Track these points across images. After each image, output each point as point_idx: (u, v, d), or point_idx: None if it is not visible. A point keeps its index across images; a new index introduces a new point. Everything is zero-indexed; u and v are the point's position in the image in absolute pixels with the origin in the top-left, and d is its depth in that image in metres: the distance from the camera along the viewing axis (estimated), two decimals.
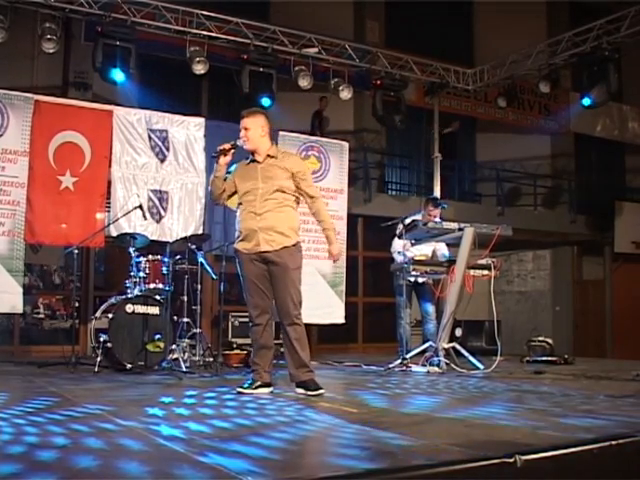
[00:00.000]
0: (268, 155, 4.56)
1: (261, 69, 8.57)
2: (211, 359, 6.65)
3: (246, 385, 4.46)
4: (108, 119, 7.41)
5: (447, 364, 6.32)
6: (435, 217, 7.15)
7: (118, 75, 7.91)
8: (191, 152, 7.88)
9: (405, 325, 7.10)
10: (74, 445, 2.64)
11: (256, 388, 4.43)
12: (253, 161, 4.59)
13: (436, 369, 6.23)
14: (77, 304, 8.04)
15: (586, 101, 9.17)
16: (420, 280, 7.12)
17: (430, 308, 7.23)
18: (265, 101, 8.79)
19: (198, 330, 6.96)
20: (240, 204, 4.61)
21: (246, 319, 8.97)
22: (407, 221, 6.60)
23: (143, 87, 10.10)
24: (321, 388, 4.42)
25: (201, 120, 8.08)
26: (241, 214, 4.56)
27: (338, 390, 5.03)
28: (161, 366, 6.02)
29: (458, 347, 6.61)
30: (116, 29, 7.74)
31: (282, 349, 4.70)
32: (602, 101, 9.14)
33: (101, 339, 6.05)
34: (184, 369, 5.88)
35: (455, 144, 12.82)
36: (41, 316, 9.47)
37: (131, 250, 6.52)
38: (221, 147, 4.55)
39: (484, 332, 9.88)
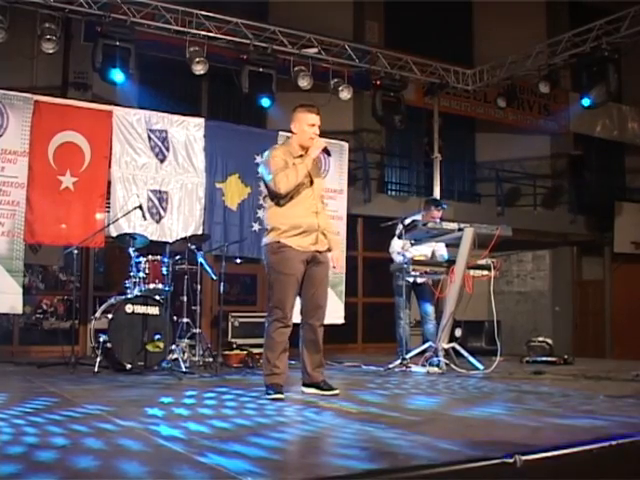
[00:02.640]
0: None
1: (261, 69, 8.56)
2: (211, 359, 6.65)
3: (274, 391, 4.21)
4: (108, 119, 7.41)
5: (447, 364, 6.32)
6: (436, 218, 7.14)
7: (118, 75, 7.90)
8: (191, 152, 7.88)
9: (404, 325, 7.10)
10: (74, 445, 2.64)
11: (282, 392, 4.24)
12: (300, 156, 4.42)
13: (436, 369, 6.23)
14: (77, 304, 8.05)
15: (585, 101, 9.16)
16: (419, 280, 7.11)
17: (429, 308, 7.22)
18: (265, 101, 8.80)
19: (198, 330, 6.96)
20: (282, 198, 4.36)
21: (246, 319, 9.06)
22: (407, 221, 6.59)
23: (143, 87, 10.10)
24: (335, 388, 4.44)
25: (201, 120, 8.08)
26: (291, 208, 4.32)
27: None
28: (161, 366, 6.02)
29: (458, 347, 6.61)
30: (116, 29, 7.73)
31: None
32: (602, 101, 9.13)
33: (101, 339, 6.05)
34: (184, 369, 5.88)
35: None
36: (41, 316, 9.48)
37: (131, 250, 6.52)
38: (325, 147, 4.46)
39: (484, 332, 9.88)
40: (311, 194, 4.41)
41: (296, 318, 4.46)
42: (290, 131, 4.61)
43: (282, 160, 4.34)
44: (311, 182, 4.44)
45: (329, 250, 4.48)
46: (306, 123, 4.42)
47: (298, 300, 4.46)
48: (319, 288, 4.43)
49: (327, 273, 4.50)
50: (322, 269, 4.43)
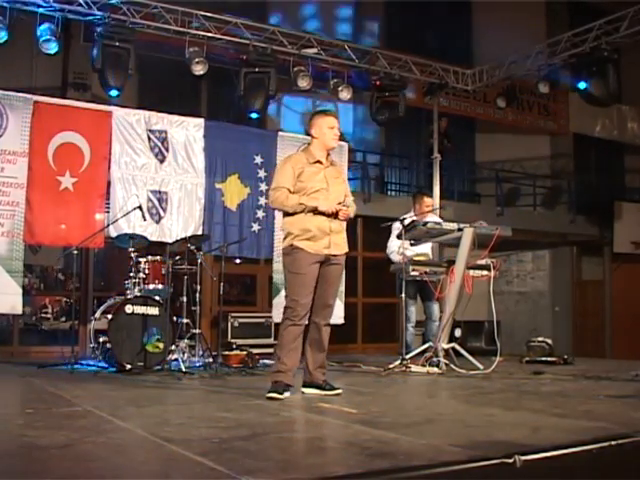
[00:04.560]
0: (331, 162, 4.64)
1: (260, 69, 8.56)
2: (210, 360, 6.64)
3: (273, 390, 4.22)
4: (107, 120, 7.40)
5: (446, 365, 6.30)
6: (431, 209, 7.13)
7: (113, 92, 7.89)
8: (190, 153, 7.87)
9: (411, 329, 7.06)
10: (73, 445, 2.64)
11: (283, 392, 4.23)
12: (317, 162, 4.52)
13: (435, 370, 6.21)
14: (76, 305, 8.05)
15: (582, 84, 9.02)
16: (426, 279, 7.03)
17: (436, 308, 7.16)
18: (254, 115, 8.77)
19: (197, 331, 6.96)
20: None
21: (246, 320, 9.06)
22: (406, 222, 6.58)
23: (143, 87, 10.09)
24: (337, 387, 4.45)
25: (200, 121, 8.07)
26: (304, 213, 4.40)
27: None
28: (160, 367, 6.01)
29: (457, 347, 6.60)
30: (115, 30, 7.72)
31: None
32: (599, 95, 9.03)
33: (100, 340, 6.05)
34: (183, 370, 5.88)
35: None
36: (41, 317, 9.47)
37: (130, 251, 6.52)
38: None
39: (483, 332, 9.88)
40: (324, 198, 4.44)
41: None
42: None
43: (291, 173, 4.44)
44: (329, 188, 4.50)
45: (345, 254, 4.58)
46: (326, 126, 4.56)
47: None
48: (329, 287, 4.49)
49: (340, 275, 4.59)
50: (335, 270, 4.50)
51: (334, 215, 4.45)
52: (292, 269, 4.39)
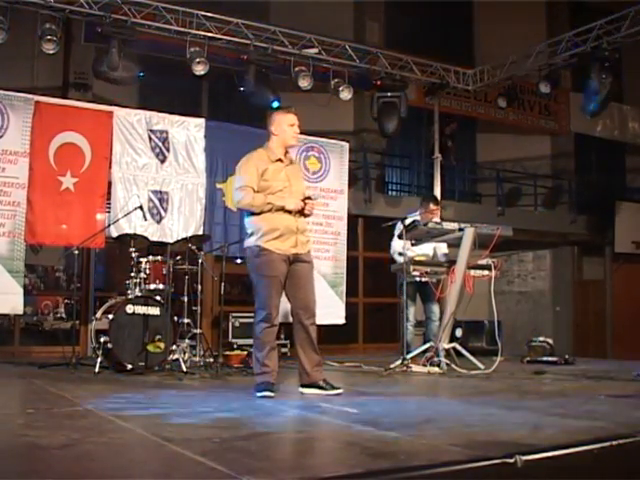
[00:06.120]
0: (290, 159, 4.64)
1: (261, 69, 8.56)
2: (211, 360, 6.64)
3: (263, 389, 4.29)
4: (108, 120, 7.41)
5: (447, 364, 6.31)
6: (436, 215, 7.14)
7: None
8: (191, 153, 7.88)
9: (410, 327, 7.09)
10: (74, 445, 2.64)
11: (273, 390, 4.29)
12: (278, 160, 4.52)
13: (436, 369, 6.22)
14: (77, 305, 8.05)
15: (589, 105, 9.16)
16: (424, 280, 7.07)
17: (435, 308, 7.19)
18: (275, 103, 8.76)
19: (198, 331, 6.96)
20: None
21: (247, 319, 9.05)
22: (407, 221, 6.59)
23: (143, 87, 10.09)
24: (338, 387, 4.44)
25: (201, 121, 8.08)
26: (269, 211, 4.40)
27: None
28: (161, 367, 6.02)
29: (459, 347, 6.61)
30: (116, 30, 7.72)
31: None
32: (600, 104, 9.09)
33: (101, 340, 6.05)
34: (184, 370, 5.88)
35: None
36: (42, 317, 9.47)
37: (131, 251, 6.52)
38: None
39: (484, 332, 9.87)
40: (288, 197, 4.45)
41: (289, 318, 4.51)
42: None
43: (255, 172, 4.44)
44: (291, 187, 4.50)
45: (310, 251, 4.57)
46: (286, 123, 4.54)
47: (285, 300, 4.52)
48: (305, 286, 4.47)
49: (311, 271, 4.55)
50: (305, 268, 4.49)
51: (300, 212, 4.45)
52: (264, 272, 4.39)
